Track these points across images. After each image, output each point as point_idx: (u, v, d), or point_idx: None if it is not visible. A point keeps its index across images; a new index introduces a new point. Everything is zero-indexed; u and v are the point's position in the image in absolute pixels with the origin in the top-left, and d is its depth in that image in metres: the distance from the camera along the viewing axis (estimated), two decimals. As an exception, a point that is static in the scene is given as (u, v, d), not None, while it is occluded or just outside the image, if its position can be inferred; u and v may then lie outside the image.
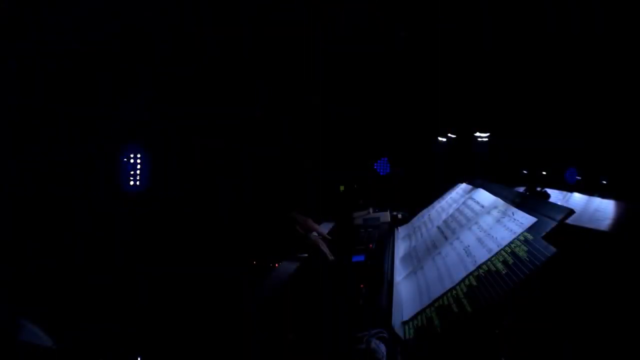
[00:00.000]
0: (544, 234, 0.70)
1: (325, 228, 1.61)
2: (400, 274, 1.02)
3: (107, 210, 1.26)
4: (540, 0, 2.04)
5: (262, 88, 1.15)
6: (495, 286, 0.66)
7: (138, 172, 1.29)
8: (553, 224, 0.72)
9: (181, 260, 1.01)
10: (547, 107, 2.72)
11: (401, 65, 2.55)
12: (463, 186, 1.41)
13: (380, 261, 1.05)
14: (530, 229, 0.75)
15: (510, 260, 0.69)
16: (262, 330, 0.74)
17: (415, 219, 1.52)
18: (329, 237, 1.35)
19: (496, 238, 0.80)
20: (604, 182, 2.80)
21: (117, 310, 1.03)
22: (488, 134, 2.96)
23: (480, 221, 0.95)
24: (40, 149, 1.32)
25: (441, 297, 0.75)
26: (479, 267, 0.75)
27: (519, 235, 0.74)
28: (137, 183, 1.28)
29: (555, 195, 1.87)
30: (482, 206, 1.04)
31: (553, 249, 0.63)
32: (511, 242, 0.74)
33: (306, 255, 1.17)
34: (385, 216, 1.59)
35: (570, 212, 0.72)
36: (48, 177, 1.33)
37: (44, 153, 1.33)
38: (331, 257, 1.15)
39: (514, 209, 0.87)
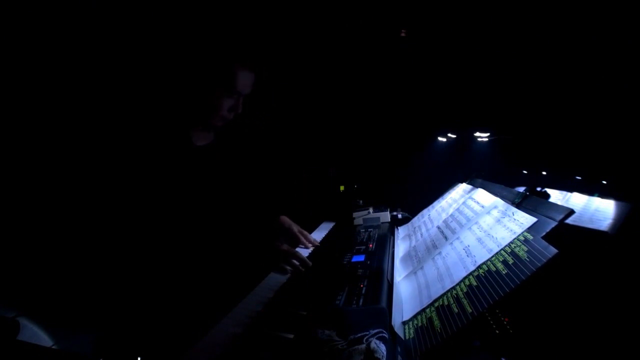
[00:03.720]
0: (544, 234, 0.70)
1: (325, 228, 1.61)
2: (400, 274, 1.02)
3: (105, 210, 1.26)
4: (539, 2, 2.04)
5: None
6: (495, 286, 0.66)
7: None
8: (553, 224, 0.72)
9: (180, 260, 1.00)
10: (547, 107, 2.72)
11: (401, 65, 2.55)
12: (463, 186, 1.41)
13: (380, 261, 1.05)
14: (530, 229, 0.75)
15: (511, 260, 0.69)
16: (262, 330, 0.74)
17: (415, 219, 1.52)
18: (316, 245, 1.29)
19: (496, 238, 0.80)
20: (604, 182, 2.81)
21: (117, 311, 1.03)
22: (488, 134, 2.96)
23: (480, 221, 0.95)
24: (41, 148, 1.32)
25: (441, 297, 0.75)
26: (479, 267, 0.75)
27: (519, 235, 0.75)
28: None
29: (555, 195, 1.87)
30: (482, 206, 1.04)
31: (553, 249, 0.63)
32: (511, 242, 0.74)
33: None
34: (385, 216, 1.59)
35: (570, 212, 0.72)
36: (48, 177, 1.32)
37: (44, 152, 1.32)
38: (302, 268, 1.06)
39: (514, 209, 0.87)
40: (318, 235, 1.49)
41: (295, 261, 1.06)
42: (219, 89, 1.03)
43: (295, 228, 1.27)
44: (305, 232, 1.29)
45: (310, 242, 1.28)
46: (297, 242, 1.25)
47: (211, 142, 1.16)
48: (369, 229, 1.48)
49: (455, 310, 0.67)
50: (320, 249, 1.27)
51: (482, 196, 1.11)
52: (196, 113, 1.07)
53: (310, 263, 1.06)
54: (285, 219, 1.29)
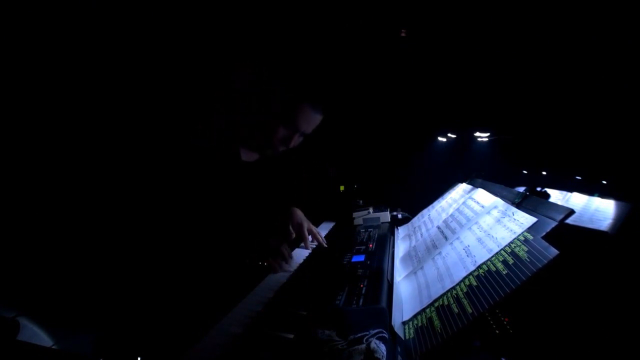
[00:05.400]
0: (544, 234, 0.70)
1: (325, 228, 1.61)
2: (400, 274, 1.02)
3: (105, 209, 1.26)
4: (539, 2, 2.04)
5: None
6: (495, 286, 0.66)
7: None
8: (553, 224, 0.72)
9: (180, 259, 1.00)
10: (547, 107, 2.72)
11: (401, 64, 2.55)
12: (463, 186, 1.41)
13: (380, 261, 1.05)
14: (530, 229, 0.75)
15: (511, 260, 0.69)
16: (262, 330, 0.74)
17: (415, 219, 1.52)
18: (322, 243, 1.27)
19: (496, 238, 0.80)
20: (604, 182, 2.81)
21: (117, 311, 1.03)
22: (488, 134, 2.96)
23: (480, 221, 0.95)
24: (41, 148, 1.32)
25: (441, 297, 0.75)
26: (479, 267, 0.75)
27: (519, 235, 0.75)
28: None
29: (555, 195, 1.87)
30: (482, 206, 1.04)
31: (553, 249, 0.63)
32: (511, 242, 0.74)
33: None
34: (385, 216, 1.59)
35: (570, 212, 0.72)
36: (48, 177, 1.32)
37: (45, 152, 1.32)
38: (288, 269, 1.02)
39: (514, 209, 0.87)
40: (318, 235, 1.49)
41: (276, 265, 1.03)
42: (278, 120, 1.01)
43: (306, 225, 1.25)
44: (315, 231, 1.28)
45: (319, 241, 1.27)
46: (302, 241, 1.25)
47: (257, 158, 1.17)
48: (369, 229, 1.48)
49: (456, 310, 0.67)
50: (320, 249, 1.27)
51: (482, 196, 1.11)
52: (251, 135, 1.06)
53: (292, 270, 1.02)
54: (297, 214, 1.27)
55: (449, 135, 3.00)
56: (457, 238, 0.95)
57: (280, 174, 1.29)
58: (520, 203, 0.93)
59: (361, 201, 1.77)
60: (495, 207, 0.96)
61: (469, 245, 0.87)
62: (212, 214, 1.07)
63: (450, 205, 1.30)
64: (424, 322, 0.71)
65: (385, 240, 1.27)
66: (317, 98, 1.02)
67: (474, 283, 0.71)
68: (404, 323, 0.75)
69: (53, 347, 0.99)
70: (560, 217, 0.72)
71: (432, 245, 1.04)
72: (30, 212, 1.28)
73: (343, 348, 0.61)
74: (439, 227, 1.14)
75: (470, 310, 0.65)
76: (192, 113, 1.12)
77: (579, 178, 2.99)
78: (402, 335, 0.71)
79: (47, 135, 1.31)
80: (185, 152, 1.02)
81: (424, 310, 0.75)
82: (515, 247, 0.72)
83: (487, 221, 0.92)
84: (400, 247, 1.28)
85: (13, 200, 1.25)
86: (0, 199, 1.23)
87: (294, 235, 1.22)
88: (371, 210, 1.64)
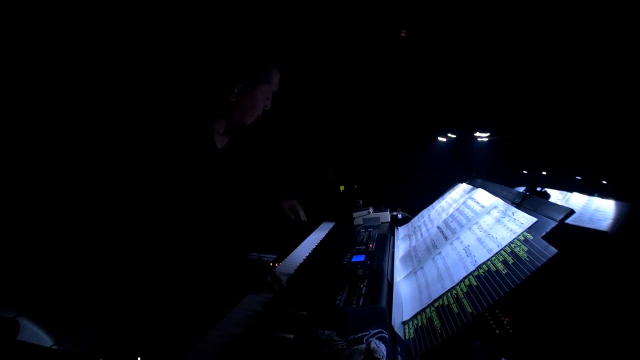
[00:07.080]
0: (544, 234, 0.70)
1: (325, 228, 1.61)
2: (400, 274, 1.02)
3: (105, 209, 1.26)
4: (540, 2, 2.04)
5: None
6: (495, 286, 0.66)
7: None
8: (553, 224, 0.72)
9: (180, 260, 1.00)
10: (547, 107, 2.72)
11: (400, 63, 2.55)
12: (463, 186, 1.41)
13: (380, 261, 1.05)
14: (530, 229, 0.75)
15: (511, 260, 0.69)
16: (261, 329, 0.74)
17: (415, 219, 1.52)
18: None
19: (496, 238, 0.80)
20: (604, 182, 2.81)
21: (117, 311, 1.03)
22: (488, 134, 2.96)
23: (480, 221, 0.95)
24: (41, 148, 1.32)
25: (441, 297, 0.75)
26: (479, 267, 0.75)
27: (519, 235, 0.75)
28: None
29: (555, 195, 1.87)
30: (482, 206, 1.04)
31: (553, 249, 0.63)
32: (511, 242, 0.74)
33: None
34: (385, 216, 1.60)
35: (570, 212, 0.72)
36: (48, 176, 1.32)
37: (45, 152, 1.32)
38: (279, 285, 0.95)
39: (514, 209, 0.87)
40: (318, 235, 1.49)
41: (269, 278, 0.96)
42: (261, 88, 1.06)
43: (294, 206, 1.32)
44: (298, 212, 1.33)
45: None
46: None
47: (226, 144, 1.17)
48: (369, 229, 1.48)
49: (455, 310, 0.67)
50: (320, 249, 1.27)
51: (482, 196, 1.11)
52: (238, 113, 1.09)
53: (284, 284, 0.96)
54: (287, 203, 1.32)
55: (449, 135, 3.00)
56: (457, 238, 0.95)
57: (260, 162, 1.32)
58: (520, 203, 0.93)
59: (361, 201, 1.77)
60: (495, 207, 0.96)
61: (469, 245, 0.87)
62: (211, 212, 1.07)
63: (450, 205, 1.30)
64: (424, 322, 0.71)
65: (385, 240, 1.27)
66: (278, 56, 1.08)
67: (474, 283, 0.71)
68: (404, 323, 0.75)
69: (53, 347, 1.00)
70: (560, 217, 0.72)
71: (432, 245, 1.04)
72: (30, 213, 1.28)
73: (343, 348, 0.61)
74: (439, 227, 1.14)
75: (470, 310, 0.65)
76: (188, 112, 1.13)
77: (579, 178, 2.99)
78: (402, 335, 0.71)
79: (45, 135, 1.31)
80: (177, 150, 1.02)
81: (424, 310, 0.75)
82: (515, 247, 0.72)
83: (487, 221, 0.92)
84: (400, 247, 1.28)
85: (13, 201, 1.25)
86: (1, 199, 1.23)
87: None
88: (371, 210, 1.64)
